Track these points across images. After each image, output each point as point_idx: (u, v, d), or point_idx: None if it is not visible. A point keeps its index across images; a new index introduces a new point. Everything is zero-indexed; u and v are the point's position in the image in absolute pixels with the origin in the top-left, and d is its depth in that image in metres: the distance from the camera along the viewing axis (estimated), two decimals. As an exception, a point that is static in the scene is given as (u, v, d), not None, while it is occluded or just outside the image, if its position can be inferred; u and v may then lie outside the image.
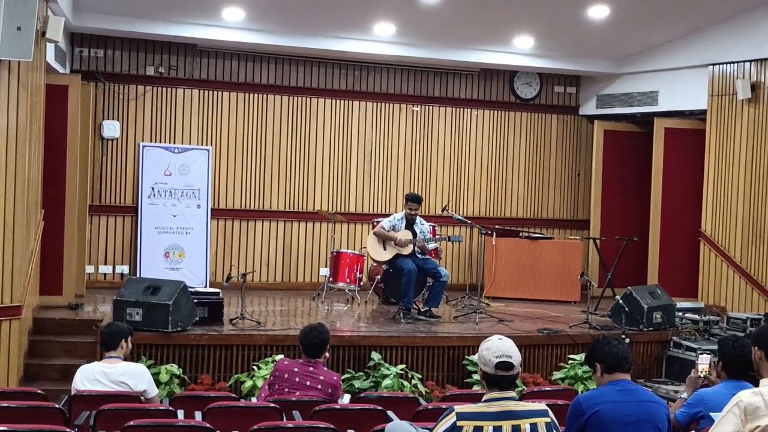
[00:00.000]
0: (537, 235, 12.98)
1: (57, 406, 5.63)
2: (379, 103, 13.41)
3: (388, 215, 11.03)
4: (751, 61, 11.59)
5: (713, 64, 12.04)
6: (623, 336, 9.13)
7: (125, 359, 6.51)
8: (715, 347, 5.95)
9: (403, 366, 8.88)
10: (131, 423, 4.96)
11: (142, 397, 6.15)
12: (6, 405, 5.53)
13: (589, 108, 14.13)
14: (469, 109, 13.80)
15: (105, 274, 12.25)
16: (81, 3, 10.96)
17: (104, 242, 12.25)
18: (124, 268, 12.24)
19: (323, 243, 13.05)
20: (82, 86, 10.63)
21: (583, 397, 4.71)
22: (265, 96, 12.91)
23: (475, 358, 8.55)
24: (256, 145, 12.86)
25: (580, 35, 12.33)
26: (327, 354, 6.39)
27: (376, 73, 13.38)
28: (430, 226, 11.16)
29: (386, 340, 9.12)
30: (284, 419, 5.59)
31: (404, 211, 10.62)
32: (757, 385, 5.09)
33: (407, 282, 10.22)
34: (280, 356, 8.26)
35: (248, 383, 8.30)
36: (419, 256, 10.53)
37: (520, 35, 12.42)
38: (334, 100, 13.19)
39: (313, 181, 13.09)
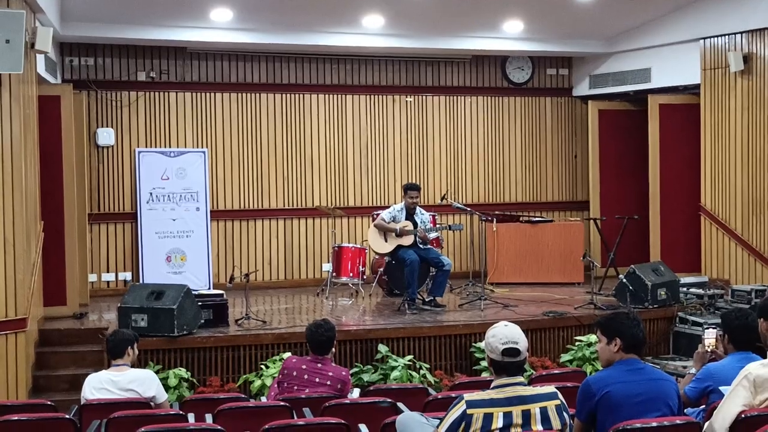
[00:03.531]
0: (537, 219, 12.99)
1: (67, 416, 5.63)
2: (372, 96, 13.38)
3: (388, 207, 11.03)
4: (742, 32, 11.56)
5: (704, 38, 12.01)
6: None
7: (132, 366, 6.51)
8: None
9: (410, 357, 8.89)
10: (142, 429, 4.96)
11: (151, 403, 6.15)
12: (16, 418, 5.53)
13: (582, 89, 14.11)
14: (462, 97, 13.78)
15: (108, 282, 12.25)
16: (68, 12, 10.94)
17: (105, 250, 12.24)
18: (127, 275, 12.24)
19: (324, 238, 13.05)
20: (74, 95, 10.62)
21: (593, 379, 4.71)
22: (257, 95, 12.89)
23: (482, 345, 8.58)
24: (251, 145, 12.84)
25: (569, 16, 12.29)
26: (334, 349, 6.40)
27: (368, 66, 13.35)
28: (430, 215, 11.14)
29: (392, 332, 9.13)
30: (295, 417, 5.59)
31: (404, 202, 10.61)
32: (764, 356, 5.10)
33: (410, 273, 10.23)
34: (288, 354, 8.24)
35: (257, 383, 8.31)
36: (421, 246, 10.52)
37: (510, 20, 12.40)
38: (327, 95, 13.17)
39: (311, 177, 13.08)
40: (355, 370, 8.64)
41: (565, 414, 4.19)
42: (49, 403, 6.20)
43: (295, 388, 6.19)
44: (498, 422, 4.04)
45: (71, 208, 10.34)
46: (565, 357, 9.26)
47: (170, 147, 12.46)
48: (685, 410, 5.21)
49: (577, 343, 9.30)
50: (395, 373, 8.51)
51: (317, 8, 11.53)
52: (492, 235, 12.57)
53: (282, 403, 5.69)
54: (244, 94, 12.83)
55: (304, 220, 13.06)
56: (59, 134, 10.19)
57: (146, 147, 12.38)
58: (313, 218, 13.05)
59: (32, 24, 8.88)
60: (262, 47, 12.53)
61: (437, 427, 4.17)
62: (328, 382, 6.17)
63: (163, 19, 11.59)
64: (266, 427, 4.97)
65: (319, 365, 6.25)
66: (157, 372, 7.63)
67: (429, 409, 5.46)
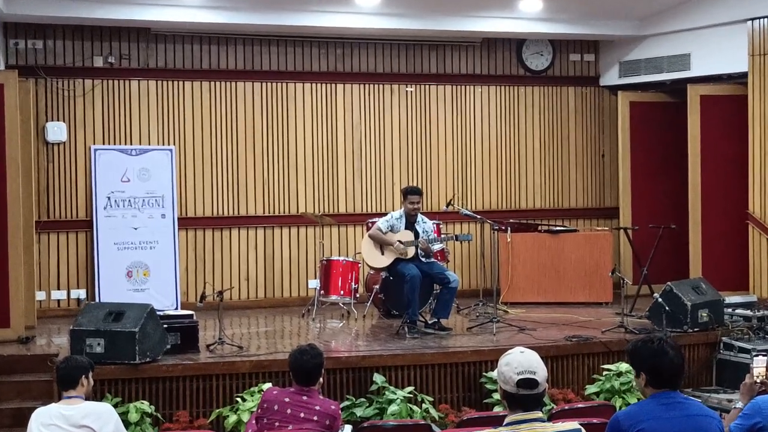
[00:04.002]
0: (559, 228, 12.99)
1: (10, 457, 5.62)
2: (366, 85, 13.39)
3: (384, 214, 11.03)
4: (795, 12, 11.61)
5: (752, 19, 12.04)
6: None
7: (87, 398, 6.49)
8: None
9: (411, 388, 8.88)
10: (98, 472, 4.94)
11: (108, 442, 6.14)
12: (-49, 459, 5.52)
13: (611, 77, 14.13)
14: (472, 87, 13.79)
15: (59, 301, 12.23)
16: (13, -13, 10.96)
17: (56, 264, 12.21)
18: (81, 293, 12.22)
19: (311, 250, 13.04)
20: (20, 84, 10.59)
21: (623, 414, 4.70)
22: (233, 84, 12.89)
23: (494, 374, 8.56)
24: (226, 142, 12.84)
25: (595, -7, 12.33)
26: (321, 379, 6.39)
27: (362, 51, 13.37)
28: (434, 224, 11.15)
29: (390, 359, 9.11)
30: (276, 458, 5.58)
31: (403, 208, 10.62)
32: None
33: (411, 290, 10.22)
34: (268, 385, 8.25)
35: (232, 418, 8.29)
36: (423, 259, 10.53)
37: (527, -3, 12.44)
38: (314, 84, 13.17)
39: (296, 179, 13.08)
40: (346, 403, 8.63)
41: (590, 455, 4.18)
42: (-11, 441, 6.19)
43: (277, 424, 6.18)
44: (513, 464, 4.03)
45: (16, 214, 10.31)
46: (590, 389, 9.25)
47: (132, 144, 12.46)
48: (731, 450, 5.21)
49: (604, 373, 9.29)
50: (393, 407, 8.49)
51: (303, -17, 11.56)
52: (506, 246, 12.56)
53: (261, 442, 5.68)
54: (217, 83, 12.83)
55: (288, 230, 13.06)
56: (2, 129, 10.17)
57: (104, 144, 12.37)
58: (298, 227, 13.04)
59: (-29, 0, 8.87)
60: (239, 28, 12.55)
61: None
62: (315, 418, 6.15)
63: (124, -4, 11.62)
64: (242, 469, 4.96)
65: (305, 398, 6.23)
66: (115, 405, 7.60)
67: (432, 449, 5.46)
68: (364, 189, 13.34)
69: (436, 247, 11.06)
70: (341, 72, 13.28)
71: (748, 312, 10.53)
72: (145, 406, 8.33)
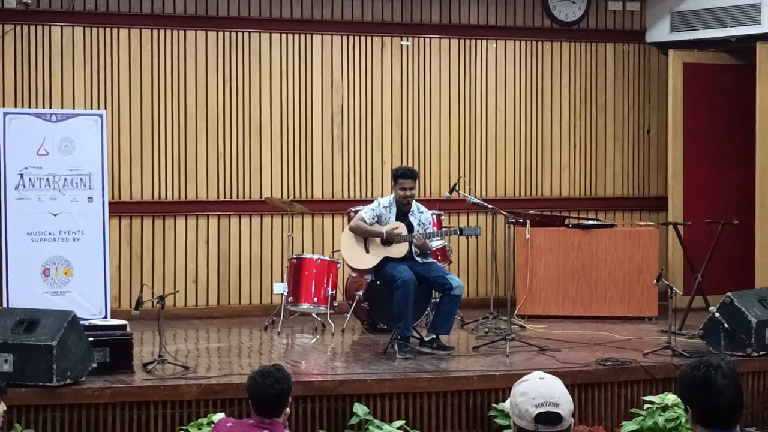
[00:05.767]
0: (591, 223, 13.00)
1: None
2: (350, 37, 13.37)
3: (371, 201, 11.04)
4: None
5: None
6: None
7: (-6, 430, 6.51)
8: None
9: (401, 423, 8.91)
10: None
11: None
12: None
13: (660, 32, 14.13)
14: (484, 41, 13.78)
15: (-44, 306, 12.24)
16: None
17: (-47, 258, 12.23)
18: (-16, 296, 12.24)
19: (276, 246, 13.04)
20: None
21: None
22: (182, 33, 12.85)
23: (506, 406, 8.59)
24: (171, 106, 12.80)
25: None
26: (288, 410, 6.40)
27: (346, -7, 13.40)
28: (432, 214, 11.16)
29: (375, 385, 9.14)
30: None
31: (393, 194, 10.62)
32: None
33: (402, 298, 10.23)
34: (220, 416, 8.26)
35: (174, 457, 8.34)
36: (419, 259, 10.55)
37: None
38: (284, 35, 13.15)
39: (259, 155, 13.07)
40: (319, 440, 8.68)
41: None
42: None
43: (231, 465, 6.20)
44: None
45: None
46: (628, 426, 9.27)
47: (51, 107, 12.43)
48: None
49: (646, 407, 9.31)
50: (378, 446, 8.55)
51: None
52: (524, 244, 12.59)
53: (210, 488, 5.70)
54: (162, 32, 12.80)
55: (248, 219, 13.06)
56: None
57: (15, 107, 12.34)
58: (261, 216, 13.04)
59: None
60: (190, -38, 12.57)
61: None
62: (279, 458, 6.18)
63: None
64: None
65: (267, 432, 6.25)
66: (26, 439, 7.64)
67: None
68: (345, 169, 13.33)
69: (436, 243, 11.09)
70: (318, 20, 13.27)
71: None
72: (64, 440, 8.37)
